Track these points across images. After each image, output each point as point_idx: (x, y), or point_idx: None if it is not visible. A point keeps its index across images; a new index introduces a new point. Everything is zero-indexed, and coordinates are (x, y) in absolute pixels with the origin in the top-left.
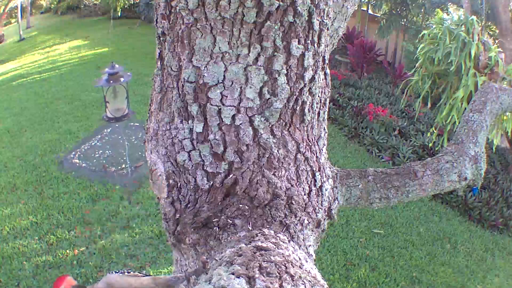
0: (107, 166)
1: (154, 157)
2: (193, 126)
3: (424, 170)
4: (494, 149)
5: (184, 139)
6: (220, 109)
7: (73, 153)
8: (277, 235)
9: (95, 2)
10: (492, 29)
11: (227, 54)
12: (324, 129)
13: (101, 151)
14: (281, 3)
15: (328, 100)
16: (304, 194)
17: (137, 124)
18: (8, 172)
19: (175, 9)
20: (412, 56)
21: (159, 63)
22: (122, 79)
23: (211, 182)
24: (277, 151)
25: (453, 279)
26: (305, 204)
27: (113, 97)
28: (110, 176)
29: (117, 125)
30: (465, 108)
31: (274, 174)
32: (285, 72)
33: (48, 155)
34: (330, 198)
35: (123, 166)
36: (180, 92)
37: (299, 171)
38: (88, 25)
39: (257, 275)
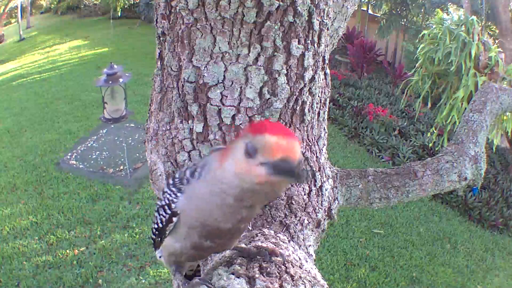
0: (105, 168)
1: (154, 157)
2: (193, 126)
3: (424, 170)
4: (494, 149)
5: (184, 139)
6: (220, 109)
7: (70, 154)
8: (277, 235)
9: (95, 2)
10: (492, 29)
11: (227, 54)
12: (324, 129)
13: (98, 152)
14: (281, 3)
15: (328, 100)
16: (304, 194)
17: (133, 125)
18: (8, 172)
19: (175, 9)
20: (412, 56)
21: (159, 63)
22: (120, 80)
23: None
24: None
25: (453, 279)
26: (305, 204)
27: (111, 98)
28: (108, 177)
29: (112, 126)
30: (465, 108)
31: None
32: (285, 72)
33: (48, 155)
34: (330, 198)
35: (121, 167)
36: (180, 92)
37: None
38: (88, 25)
39: (257, 275)
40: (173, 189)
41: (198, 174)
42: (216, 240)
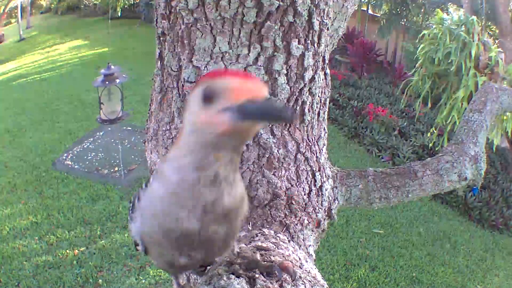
0: (100, 168)
1: (154, 157)
2: None
3: (424, 170)
4: (494, 149)
5: None
6: None
7: (65, 154)
8: (277, 235)
9: (95, 2)
10: (492, 29)
11: (227, 54)
12: (324, 129)
13: (93, 154)
14: (281, 3)
15: (328, 100)
16: (304, 194)
17: (130, 128)
18: (8, 172)
19: (175, 9)
20: (412, 56)
21: (159, 63)
22: (117, 81)
23: None
24: (277, 151)
25: (453, 279)
26: (305, 204)
27: (107, 99)
28: (102, 178)
29: (109, 128)
30: (465, 108)
31: (274, 174)
32: (285, 72)
33: (48, 155)
34: (330, 198)
35: (116, 169)
36: (180, 92)
37: (299, 171)
38: (88, 25)
39: (257, 275)
40: (129, 217)
41: (145, 184)
42: (191, 253)
